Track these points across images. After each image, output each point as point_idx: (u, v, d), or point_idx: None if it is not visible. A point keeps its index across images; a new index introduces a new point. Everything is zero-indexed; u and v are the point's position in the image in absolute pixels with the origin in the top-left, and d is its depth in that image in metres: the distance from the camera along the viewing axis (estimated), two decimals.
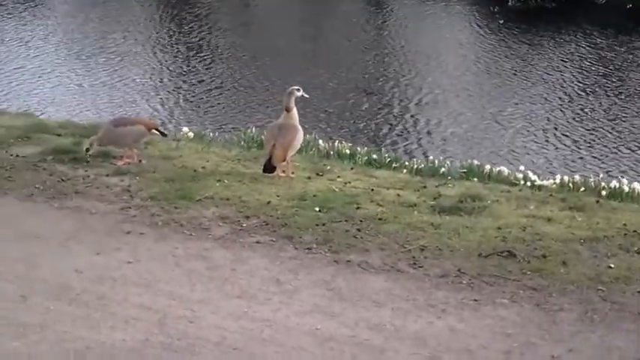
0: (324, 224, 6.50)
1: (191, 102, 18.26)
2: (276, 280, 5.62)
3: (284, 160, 7.68)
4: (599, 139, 15.53)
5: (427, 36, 24.17)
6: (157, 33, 23.81)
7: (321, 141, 13.24)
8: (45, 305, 5.17)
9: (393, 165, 12.36)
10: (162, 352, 4.71)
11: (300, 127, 7.90)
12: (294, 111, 7.82)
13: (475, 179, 11.58)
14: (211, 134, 13.28)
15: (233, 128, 15.58)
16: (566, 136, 15.82)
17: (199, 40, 23.02)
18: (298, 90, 7.90)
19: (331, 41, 23.89)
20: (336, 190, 7.37)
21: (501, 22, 24.34)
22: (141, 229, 6.40)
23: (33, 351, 4.67)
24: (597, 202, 7.40)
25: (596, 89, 18.41)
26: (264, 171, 7.62)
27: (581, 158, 14.85)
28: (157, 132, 8.11)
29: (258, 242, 6.23)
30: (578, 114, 16.92)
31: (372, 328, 5.01)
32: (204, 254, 6.00)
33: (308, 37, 24.29)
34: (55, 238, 6.18)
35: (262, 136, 12.86)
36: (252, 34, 24.38)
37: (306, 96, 8.04)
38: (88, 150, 7.86)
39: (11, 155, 8.05)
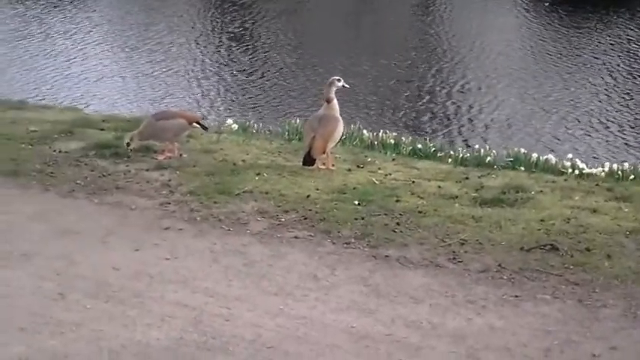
0: (363, 218, 6.43)
1: (234, 93, 18.27)
2: (313, 276, 5.57)
3: (324, 152, 7.61)
4: None
5: (471, 21, 23.82)
6: (200, 24, 23.88)
7: (365, 131, 13.15)
8: (82, 303, 5.19)
9: (438, 154, 12.23)
10: (195, 350, 4.69)
11: (340, 118, 7.82)
12: (335, 102, 7.74)
13: (522, 168, 11.43)
14: (255, 125, 13.29)
15: (277, 119, 15.56)
16: (613, 122, 15.47)
17: (242, 30, 23.03)
18: (339, 80, 7.82)
19: (374, 30, 23.71)
20: (376, 182, 7.29)
21: (547, 4, 23.90)
22: (179, 225, 6.40)
23: (69, 350, 4.68)
24: None
25: None
26: (304, 164, 7.57)
27: (627, 144, 14.51)
28: (198, 125, 8.10)
29: (296, 237, 6.18)
30: (624, 99, 16.53)
31: (408, 326, 4.93)
32: (241, 250, 5.97)
33: (351, 26, 24.13)
34: (95, 235, 6.21)
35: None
36: (295, 24, 24.29)
37: (347, 86, 7.95)
38: (128, 145, 7.90)
39: (54, 151, 8.11)
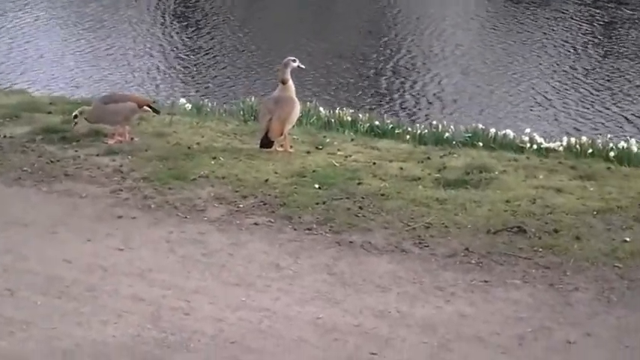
0: (324, 202, 6.22)
1: (186, 73, 17.92)
2: (275, 266, 5.35)
3: (281, 135, 7.38)
4: (599, 99, 15.25)
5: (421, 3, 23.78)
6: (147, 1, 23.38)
7: (321, 109, 12.93)
8: (32, 300, 4.91)
9: (396, 131, 12.07)
10: (154, 348, 4.45)
11: (296, 99, 7.59)
12: (291, 83, 7.50)
13: (480, 144, 11.32)
14: (209, 104, 12.98)
15: (230, 98, 15.27)
16: (567, 97, 15.54)
17: (193, 9, 22.62)
18: (294, 61, 7.57)
19: (328, 10, 23.46)
20: (337, 164, 7.08)
21: None
22: (133, 213, 6.13)
23: (20, 350, 4.42)
24: (608, 168, 7.12)
25: (588, 48, 18.09)
26: (261, 146, 7.34)
27: (585, 118, 14.59)
28: (149, 109, 7.79)
29: (256, 224, 5.95)
30: (567, 73, 16.66)
31: (377, 316, 4.75)
32: (199, 239, 5.73)
33: (305, 6, 23.86)
34: (43, 225, 5.91)
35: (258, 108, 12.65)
36: (246, 3, 23.93)
37: (303, 67, 7.71)
38: (75, 117, 7.52)
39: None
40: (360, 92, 16.93)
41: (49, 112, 8.61)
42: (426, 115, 15.62)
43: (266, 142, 7.30)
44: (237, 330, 4.62)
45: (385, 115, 14.20)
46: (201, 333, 4.58)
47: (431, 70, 18.01)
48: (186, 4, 23.00)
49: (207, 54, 19.16)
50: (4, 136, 7.75)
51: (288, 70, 7.44)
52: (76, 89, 15.84)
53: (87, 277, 5.18)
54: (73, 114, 7.62)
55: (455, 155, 7.58)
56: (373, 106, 16.02)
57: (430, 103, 16.40)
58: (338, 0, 24.54)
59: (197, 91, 16.31)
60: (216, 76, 17.75)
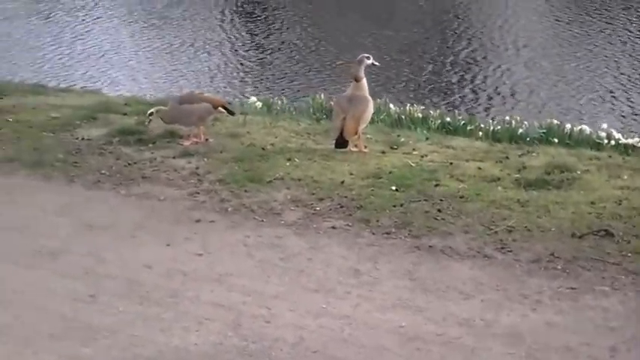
0: (402, 205, 6.13)
1: (255, 70, 17.98)
2: (354, 271, 5.28)
3: (356, 134, 7.30)
4: None
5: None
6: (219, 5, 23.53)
7: (392, 105, 12.82)
8: (115, 305, 4.93)
9: (468, 128, 11.88)
10: (236, 356, 4.43)
11: (370, 97, 7.51)
12: (364, 81, 7.43)
13: (556, 140, 11.06)
14: (279, 102, 12.98)
15: (299, 96, 15.27)
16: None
17: (260, 7, 22.68)
18: (368, 58, 7.49)
19: (396, 5, 23.26)
20: (413, 165, 6.97)
21: None
22: (211, 217, 6.13)
23: (103, 357, 4.44)
24: None
25: None
26: (336, 146, 7.27)
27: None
28: (224, 110, 7.78)
29: (333, 227, 5.89)
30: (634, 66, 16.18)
31: (461, 324, 4.64)
32: (277, 243, 5.70)
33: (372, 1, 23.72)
34: (123, 229, 5.95)
35: (331, 103, 12.59)
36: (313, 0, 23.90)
37: (377, 64, 7.63)
38: (151, 115, 7.55)
39: (77, 139, 7.85)
40: (428, 87, 16.77)
41: (125, 114, 8.70)
42: (496, 110, 15.38)
43: (341, 142, 7.23)
44: (319, 338, 4.57)
45: (457, 111, 14.05)
46: (282, 341, 4.54)
47: (498, 64, 17.76)
48: (260, 2, 23.08)
49: (273, 50, 19.20)
50: (82, 139, 7.84)
51: (362, 68, 7.36)
52: (142, 88, 16.06)
53: (168, 283, 5.19)
54: (149, 112, 7.66)
55: (534, 154, 7.39)
56: (441, 102, 15.86)
57: (499, 96, 16.15)
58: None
59: (267, 89, 16.35)
60: (284, 73, 17.77)
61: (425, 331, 4.59)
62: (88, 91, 10.97)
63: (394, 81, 16.84)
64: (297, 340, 4.55)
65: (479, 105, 15.84)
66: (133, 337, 4.60)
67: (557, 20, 20.37)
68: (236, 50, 19.36)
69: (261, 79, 17.41)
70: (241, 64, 18.42)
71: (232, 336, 4.60)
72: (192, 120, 7.63)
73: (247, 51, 19.25)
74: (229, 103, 8.06)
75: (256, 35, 20.32)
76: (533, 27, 20.28)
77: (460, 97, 16.20)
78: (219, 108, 7.72)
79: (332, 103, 7.71)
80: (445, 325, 4.64)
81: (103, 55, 18.75)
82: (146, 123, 7.68)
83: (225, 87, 16.80)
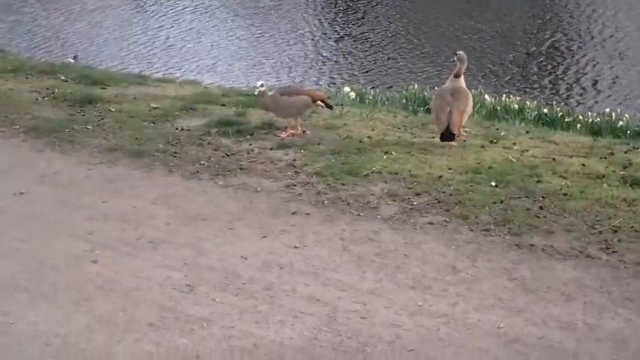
0: (501, 201, 5.99)
1: (349, 60, 17.97)
2: (452, 268, 5.19)
3: (461, 127, 7.20)
4: None
5: None
6: None
7: (487, 96, 12.60)
8: (211, 296, 4.97)
9: (566, 120, 11.57)
10: (331, 352, 4.40)
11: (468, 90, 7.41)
12: (463, 77, 7.33)
13: None
14: (372, 92, 12.92)
15: (391, 85, 15.19)
16: None
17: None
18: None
19: None
20: (513, 160, 6.81)
21: None
22: (307, 209, 6.12)
23: (200, 349, 4.48)
24: None
25: None
26: (443, 139, 7.13)
27: None
28: (322, 104, 7.77)
29: (430, 223, 5.80)
30: None
31: (562, 328, 4.50)
32: (373, 237, 5.64)
33: None
34: (221, 220, 6.00)
35: (425, 94, 12.45)
36: None
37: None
38: (262, 86, 7.55)
39: (177, 129, 7.97)
40: (521, 78, 16.44)
41: (223, 105, 8.79)
42: (595, 101, 14.98)
43: (448, 135, 7.10)
44: (415, 337, 4.50)
45: (554, 103, 13.72)
46: (378, 338, 4.50)
47: (594, 55, 17.28)
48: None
49: (364, 40, 19.16)
50: (182, 129, 7.95)
51: (464, 66, 7.26)
52: (231, 78, 16.30)
53: (264, 275, 5.20)
54: (259, 83, 7.61)
55: (639, 150, 7.12)
56: (536, 92, 15.55)
57: (595, 88, 15.71)
58: None
59: (359, 80, 16.34)
60: (375, 62, 17.70)
61: (525, 334, 4.46)
62: (187, 82, 11.10)
63: (488, 70, 16.58)
64: (393, 338, 4.49)
65: (580, 97, 15.46)
66: (229, 329, 4.63)
67: None
68: (325, 40, 19.41)
69: (353, 69, 17.41)
70: (332, 53, 18.46)
71: (327, 331, 4.58)
72: (291, 112, 7.65)
73: (336, 41, 19.26)
74: (328, 97, 8.03)
75: (347, 25, 20.29)
76: (627, 17, 19.66)
77: (560, 88, 15.84)
78: (318, 102, 7.71)
79: (433, 96, 7.59)
80: (546, 328, 4.50)
81: (182, 46, 19.13)
82: (258, 98, 7.66)
83: (315, 76, 16.89)
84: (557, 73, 16.73)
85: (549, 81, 16.28)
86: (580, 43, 18.29)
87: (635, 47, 17.61)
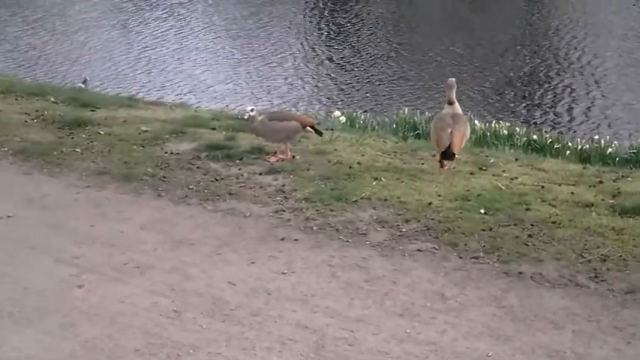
0: (490, 229, 5.98)
1: (336, 84, 18.06)
2: (440, 296, 5.17)
3: (460, 150, 7.19)
4: None
5: (579, 13, 23.02)
6: (301, 15, 23.75)
7: (477, 121, 12.67)
8: (198, 322, 4.94)
9: (555, 146, 11.63)
10: None
11: None
12: (457, 103, 7.34)
13: None
14: (362, 116, 12.97)
15: (382, 109, 15.29)
16: None
17: (344, 23, 22.80)
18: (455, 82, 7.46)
19: (487, 20, 23.08)
20: (503, 187, 6.81)
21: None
22: (295, 235, 6.09)
23: None
24: None
25: None
26: (445, 158, 7.08)
27: None
28: (311, 130, 7.75)
29: (419, 250, 5.78)
30: None
31: (551, 356, 4.48)
32: (361, 264, 5.62)
33: (462, 14, 23.60)
34: (209, 245, 5.97)
35: (416, 119, 12.48)
36: (399, 14, 23.90)
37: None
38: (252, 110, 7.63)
39: (166, 153, 7.94)
40: (511, 104, 16.56)
41: (213, 128, 8.78)
42: (581, 128, 15.12)
43: (450, 155, 7.03)
44: None
45: (544, 130, 13.82)
46: None
47: (584, 82, 17.45)
48: (333, 14, 23.25)
49: (355, 64, 19.28)
50: (171, 153, 7.93)
51: (454, 91, 7.27)
52: (219, 100, 16.36)
53: (251, 301, 5.17)
54: (250, 108, 7.67)
55: (628, 179, 7.13)
56: (525, 118, 15.68)
57: (585, 114, 15.85)
58: (488, 9, 24.14)
59: (348, 104, 16.44)
60: (369, 88, 17.80)
61: None
62: (178, 105, 11.10)
63: (476, 96, 16.69)
64: None
65: (568, 123, 15.58)
66: (216, 356, 4.59)
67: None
68: (315, 64, 19.51)
69: (343, 93, 17.51)
70: (321, 76, 18.56)
71: (315, 358, 4.55)
72: (280, 137, 7.65)
73: (328, 64, 19.36)
74: (318, 123, 8.01)
75: (337, 49, 20.41)
76: (615, 44, 19.90)
77: (548, 115, 15.95)
78: (307, 127, 7.70)
79: (433, 120, 7.58)
80: (534, 357, 4.49)
81: (167, 67, 19.22)
82: (246, 117, 7.68)
83: (304, 100, 16.97)
84: (535, 98, 16.84)
85: (525, 106, 16.40)
86: (558, 69, 18.46)
87: (612, 73, 17.82)
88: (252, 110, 7.60)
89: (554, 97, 16.90)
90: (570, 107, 16.32)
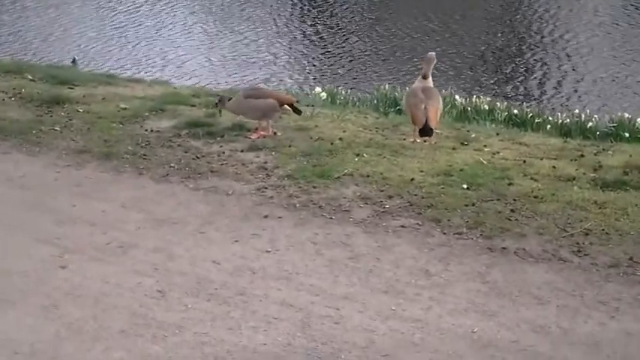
0: (473, 204, 6.00)
1: (317, 60, 17.98)
2: (425, 272, 5.18)
3: (437, 123, 7.22)
4: None
5: None
6: None
7: (457, 96, 12.66)
8: (183, 302, 4.92)
9: (536, 120, 11.66)
10: (305, 358, 4.37)
11: None
12: (431, 77, 7.36)
13: (626, 134, 10.78)
14: (343, 92, 12.92)
15: (362, 85, 15.25)
16: None
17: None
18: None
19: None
20: (485, 162, 6.82)
21: None
22: (278, 212, 6.07)
23: (172, 356, 4.43)
24: None
25: None
26: (423, 134, 7.16)
27: None
28: (289, 108, 7.69)
29: (402, 226, 5.78)
30: None
31: (536, 331, 4.51)
32: (345, 241, 5.62)
33: None
34: (192, 224, 5.94)
35: (396, 94, 12.46)
36: None
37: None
38: (216, 105, 7.76)
39: (146, 130, 7.87)
40: (492, 78, 16.57)
41: (193, 105, 8.70)
42: (562, 102, 15.18)
43: (428, 130, 7.10)
44: (389, 342, 4.48)
45: (525, 104, 13.84)
46: (351, 344, 4.47)
47: (563, 56, 17.52)
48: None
49: (337, 40, 19.22)
50: (152, 130, 7.86)
51: (432, 66, 7.29)
52: (192, 75, 16.27)
53: (236, 280, 5.16)
54: (215, 102, 7.81)
55: (609, 152, 7.16)
56: (506, 92, 15.72)
57: (563, 87, 15.91)
58: None
59: (329, 78, 16.40)
60: (350, 64, 17.74)
61: (499, 338, 4.47)
62: (157, 82, 11.00)
63: (458, 71, 16.69)
64: (367, 344, 4.47)
65: (549, 98, 15.62)
66: (202, 336, 4.58)
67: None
68: (297, 40, 19.41)
69: (322, 69, 17.44)
70: (302, 52, 18.47)
71: (301, 337, 4.55)
72: (257, 115, 7.60)
73: (309, 40, 19.27)
74: (297, 101, 7.95)
75: (320, 25, 20.31)
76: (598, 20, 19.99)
77: (529, 88, 16.00)
78: (285, 106, 7.64)
79: (404, 96, 7.58)
80: (519, 332, 4.51)
81: (139, 43, 19.11)
82: (217, 116, 7.74)
83: (288, 76, 16.89)
84: (506, 71, 16.87)
85: (496, 80, 16.43)
86: (530, 43, 18.51)
87: (604, 49, 17.88)
88: (215, 105, 7.75)
89: (526, 70, 16.96)
90: (541, 81, 16.39)
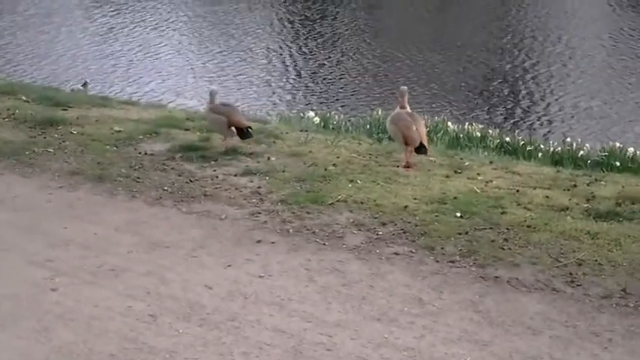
0: (467, 232, 6.00)
1: (311, 84, 18.07)
2: (418, 300, 5.17)
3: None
4: None
5: (551, 14, 23.27)
6: (277, 16, 23.72)
7: (450, 123, 12.73)
8: (175, 327, 4.89)
9: (528, 148, 11.71)
10: None
11: None
12: (408, 108, 7.67)
13: (617, 163, 10.85)
14: (336, 117, 12.96)
15: (354, 109, 15.33)
16: None
17: (318, 20, 22.82)
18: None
19: (457, 22, 23.21)
20: (478, 191, 6.83)
21: None
22: (272, 238, 6.06)
23: None
24: None
25: None
26: (420, 153, 7.48)
27: None
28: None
29: (396, 253, 5.78)
30: None
31: None
32: (338, 267, 5.60)
33: (432, 17, 23.71)
34: (184, 248, 5.92)
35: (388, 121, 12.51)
36: (374, 15, 23.95)
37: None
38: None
39: (140, 153, 7.86)
40: (484, 107, 16.68)
41: (187, 129, 8.71)
42: (554, 131, 15.29)
43: (424, 149, 7.44)
44: None
45: (516, 132, 13.93)
46: None
47: (555, 84, 17.68)
48: (319, 15, 23.26)
49: (328, 65, 19.34)
50: (145, 153, 7.86)
51: (406, 98, 7.67)
52: (179, 95, 16.40)
53: (228, 305, 5.13)
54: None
55: (602, 183, 7.18)
56: (497, 121, 15.84)
57: (557, 116, 16.04)
58: (458, 11, 24.35)
59: (321, 103, 16.48)
60: (343, 89, 17.84)
61: None
62: (151, 105, 11.01)
63: (448, 99, 16.80)
64: None
65: (541, 126, 15.71)
66: None
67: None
68: (289, 63, 19.52)
69: (317, 93, 17.54)
70: (294, 77, 18.58)
71: None
72: (213, 127, 8.07)
73: (301, 65, 19.37)
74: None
75: (311, 51, 20.43)
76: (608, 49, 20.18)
77: (522, 117, 16.08)
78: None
79: (389, 121, 7.71)
80: None
81: (172, 72, 19.20)
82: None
83: (279, 100, 16.97)
84: (520, 102, 16.97)
85: (511, 109, 16.50)
86: (547, 75, 18.63)
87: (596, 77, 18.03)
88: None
89: (514, 98, 17.10)
90: (529, 108, 16.55)
